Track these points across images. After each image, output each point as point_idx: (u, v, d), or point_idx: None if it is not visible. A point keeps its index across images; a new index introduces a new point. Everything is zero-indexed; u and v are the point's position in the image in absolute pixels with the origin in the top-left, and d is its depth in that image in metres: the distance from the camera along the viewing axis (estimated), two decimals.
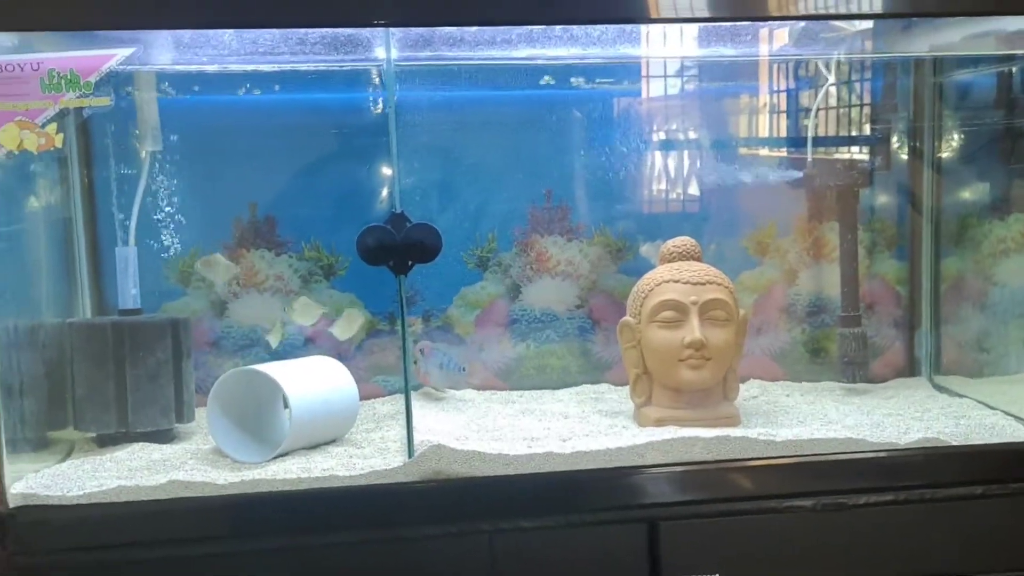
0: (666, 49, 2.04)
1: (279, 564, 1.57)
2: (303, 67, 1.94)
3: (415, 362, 2.02)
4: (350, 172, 2.04)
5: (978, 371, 2.09)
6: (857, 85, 2.18)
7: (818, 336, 2.20)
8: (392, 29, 1.68)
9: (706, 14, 1.66)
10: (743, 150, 2.19)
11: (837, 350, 2.13)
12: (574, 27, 1.77)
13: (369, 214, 2.02)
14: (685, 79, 2.17)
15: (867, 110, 2.17)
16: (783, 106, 2.20)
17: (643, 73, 2.14)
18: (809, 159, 2.13)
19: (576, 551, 1.62)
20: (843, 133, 2.19)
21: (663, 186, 2.18)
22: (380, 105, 2.01)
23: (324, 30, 1.69)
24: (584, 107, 2.11)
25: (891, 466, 1.68)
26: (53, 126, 1.53)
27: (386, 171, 2.01)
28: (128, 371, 1.77)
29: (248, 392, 1.77)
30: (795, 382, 2.18)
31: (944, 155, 2.15)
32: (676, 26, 1.90)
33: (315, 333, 2.08)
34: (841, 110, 2.18)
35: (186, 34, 1.71)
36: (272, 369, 1.73)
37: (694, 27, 1.90)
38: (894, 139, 2.16)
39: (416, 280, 2.08)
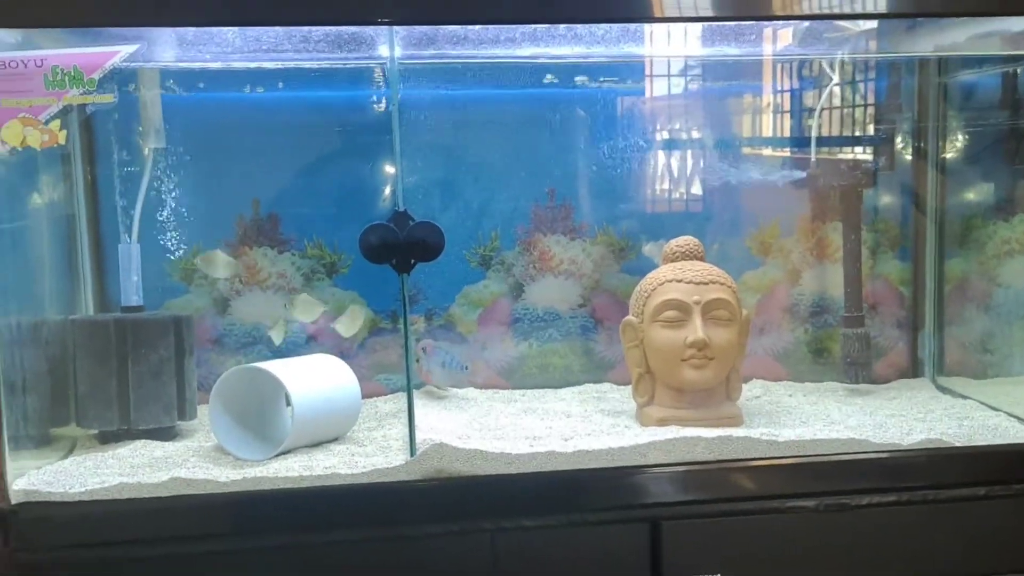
0: (670, 48, 2.04)
1: (281, 562, 1.57)
2: (307, 65, 1.94)
3: (417, 360, 2.02)
4: (353, 170, 2.04)
5: (982, 372, 2.09)
6: (861, 85, 2.17)
7: (821, 336, 2.20)
8: (396, 27, 1.68)
9: (710, 13, 1.66)
10: (746, 150, 2.18)
11: (840, 350, 2.13)
12: (578, 26, 1.77)
13: (372, 212, 2.02)
14: (689, 78, 2.17)
15: (871, 110, 2.17)
16: (787, 106, 2.19)
17: (647, 72, 2.14)
18: (813, 159, 2.12)
19: (578, 550, 1.62)
20: (847, 133, 2.19)
21: (666, 185, 2.18)
22: (383, 103, 2.01)
23: (328, 28, 1.69)
24: (587, 106, 2.10)
25: (894, 467, 1.68)
26: (57, 123, 1.53)
27: (389, 169, 2.01)
28: (131, 368, 1.77)
29: (250, 390, 1.77)
30: (798, 382, 2.17)
31: (948, 156, 2.14)
32: (680, 25, 1.90)
33: (317, 331, 2.08)
34: (845, 110, 2.17)
35: (190, 31, 1.71)
36: (274, 367, 1.73)
37: (698, 26, 1.90)
38: (898, 139, 2.16)
39: (419, 278, 2.08)
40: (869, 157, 2.16)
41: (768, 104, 2.20)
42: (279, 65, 1.94)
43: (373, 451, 1.72)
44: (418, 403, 1.89)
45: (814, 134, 2.13)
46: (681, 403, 1.81)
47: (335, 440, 1.79)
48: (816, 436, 1.71)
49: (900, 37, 2.03)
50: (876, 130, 2.16)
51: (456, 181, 2.09)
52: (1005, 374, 2.04)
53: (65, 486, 1.55)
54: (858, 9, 1.70)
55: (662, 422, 1.79)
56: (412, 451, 1.64)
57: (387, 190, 2.02)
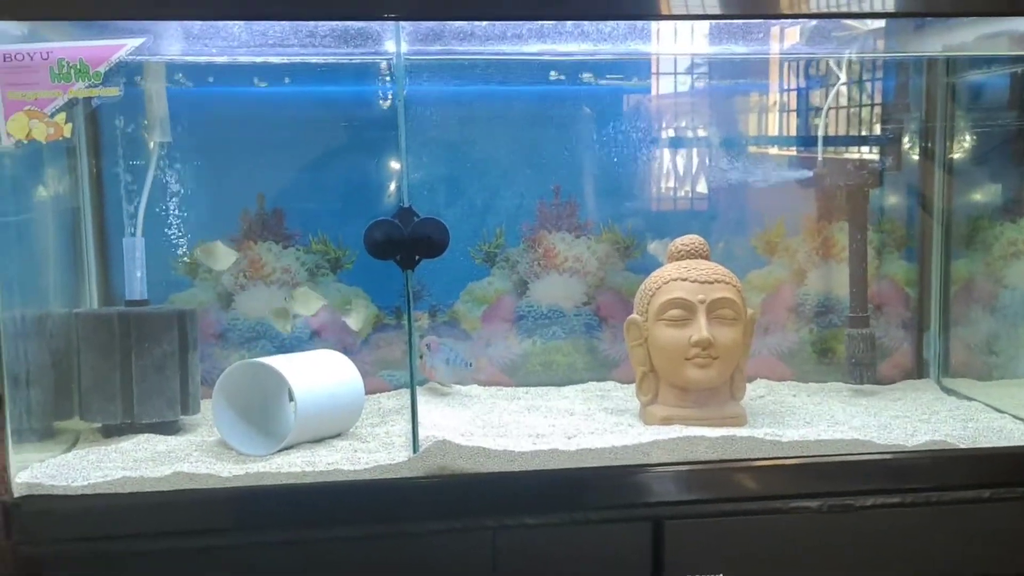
0: (677, 46, 2.03)
1: (282, 557, 1.57)
2: (313, 60, 1.93)
3: (421, 357, 2.02)
4: (358, 166, 2.04)
5: (987, 374, 2.08)
6: (869, 84, 2.16)
7: (826, 336, 2.19)
8: (402, 23, 1.67)
9: (717, 11, 1.65)
10: (753, 148, 2.18)
11: (845, 351, 2.12)
12: (585, 23, 1.76)
13: (377, 208, 2.02)
14: (695, 76, 2.16)
15: (878, 110, 2.16)
16: (794, 105, 2.19)
17: (653, 70, 2.14)
18: (819, 158, 2.11)
19: (580, 549, 1.61)
20: (854, 133, 2.18)
21: (672, 184, 2.17)
22: (389, 99, 2.01)
23: (334, 23, 1.69)
24: (594, 103, 2.10)
25: (898, 468, 1.67)
26: (62, 116, 1.53)
27: (394, 165, 2.00)
28: (134, 362, 1.77)
29: (254, 385, 1.77)
30: (802, 382, 2.17)
31: (956, 156, 2.14)
32: (687, 23, 1.90)
33: (321, 326, 2.08)
34: (852, 109, 2.17)
35: (196, 25, 1.71)
36: (278, 362, 1.72)
37: (705, 24, 1.89)
38: (905, 139, 2.15)
39: (423, 275, 2.08)
40: (876, 157, 2.15)
41: (775, 103, 2.20)
42: (285, 60, 1.94)
43: (376, 447, 1.72)
44: (421, 400, 1.89)
45: (821, 133, 2.12)
46: (685, 402, 1.81)
47: (338, 436, 1.79)
48: (820, 437, 1.70)
49: (908, 37, 2.02)
50: (883, 130, 2.15)
51: (461, 177, 2.09)
52: (1010, 376, 2.03)
53: (68, 479, 1.56)
54: (866, 8, 1.69)
55: (666, 421, 1.79)
56: (415, 448, 1.64)
57: (392, 186, 2.02)
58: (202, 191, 1.97)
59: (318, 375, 1.76)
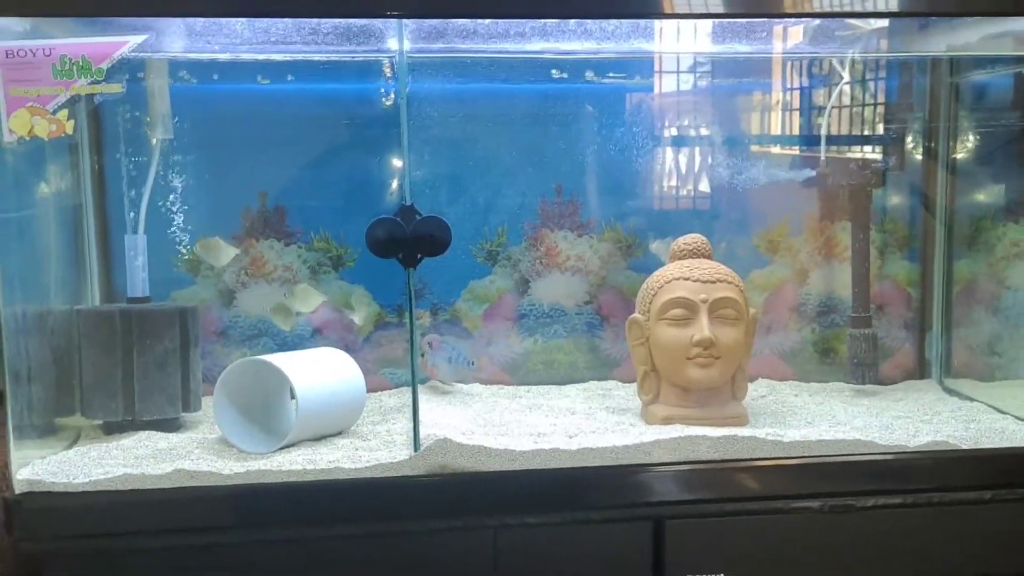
0: (680, 45, 2.03)
1: (283, 556, 1.57)
2: (315, 57, 1.93)
3: (422, 355, 2.02)
4: (360, 163, 2.04)
5: (989, 375, 2.08)
6: (872, 84, 2.16)
7: (828, 336, 2.19)
8: (405, 20, 1.67)
9: (721, 10, 1.65)
10: (755, 148, 2.17)
11: (847, 351, 2.12)
12: (588, 21, 1.76)
13: (379, 206, 2.02)
14: (698, 75, 2.16)
15: (882, 109, 2.16)
16: (797, 104, 2.18)
17: (656, 69, 2.13)
18: (822, 158, 2.11)
19: (581, 548, 1.61)
20: (857, 132, 2.18)
21: (674, 183, 2.17)
22: (392, 97, 2.01)
23: (337, 20, 1.69)
24: (596, 102, 2.10)
25: (900, 469, 1.67)
26: (64, 112, 1.53)
27: (396, 163, 2.00)
28: (136, 359, 1.77)
29: (255, 382, 1.77)
30: (804, 382, 2.17)
31: (959, 156, 2.13)
32: (690, 22, 1.89)
33: (323, 324, 2.07)
34: (855, 109, 2.16)
35: (198, 22, 1.70)
36: (279, 360, 1.72)
37: (708, 23, 1.89)
38: (909, 139, 2.15)
39: (425, 273, 2.08)
40: (879, 157, 2.14)
41: (778, 102, 2.19)
42: (288, 57, 1.94)
43: (377, 446, 1.72)
44: (422, 398, 1.89)
45: (824, 133, 2.12)
46: (686, 402, 1.80)
47: (339, 434, 1.78)
48: (822, 437, 1.70)
49: (912, 36, 2.02)
50: (886, 130, 2.15)
51: (463, 176, 2.09)
52: (1012, 377, 2.03)
53: (69, 476, 1.56)
54: (870, 8, 1.69)
55: (667, 420, 1.78)
56: (416, 446, 1.64)
57: (394, 184, 2.02)
58: (204, 188, 1.97)
59: (320, 373, 1.76)
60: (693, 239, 1.87)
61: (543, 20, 1.73)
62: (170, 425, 1.81)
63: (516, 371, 2.15)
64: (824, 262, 2.18)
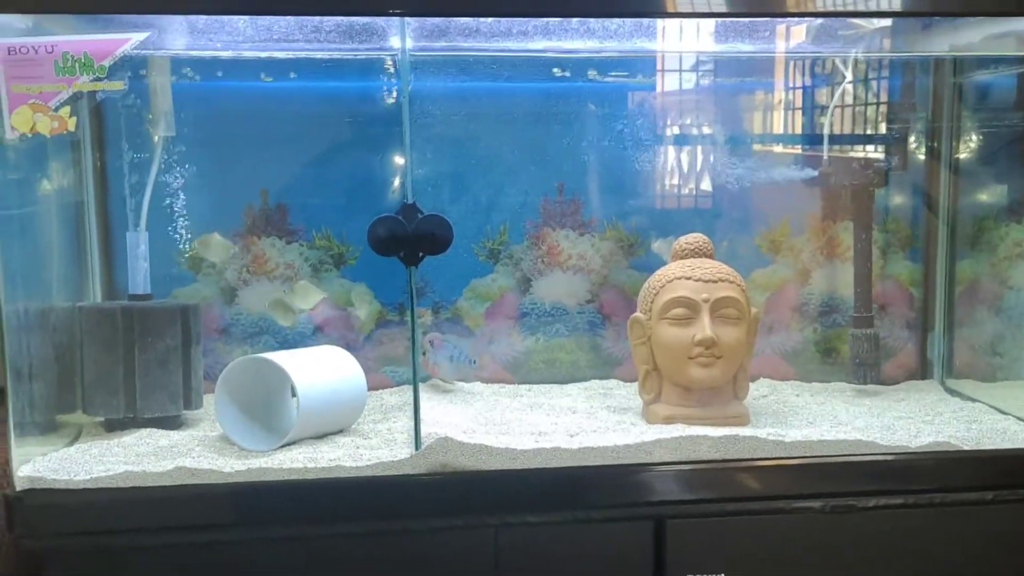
0: (682, 44, 2.02)
1: (284, 553, 1.57)
2: (318, 55, 1.93)
3: (424, 353, 2.02)
4: (362, 161, 2.03)
5: (991, 375, 2.07)
6: (875, 83, 2.15)
7: (830, 336, 2.18)
8: (407, 19, 1.67)
9: (724, 9, 1.64)
10: (758, 147, 2.17)
11: (849, 351, 2.12)
12: (590, 20, 1.75)
13: (381, 204, 2.01)
14: (701, 74, 2.15)
15: (884, 109, 2.15)
16: (799, 103, 2.18)
17: (658, 67, 2.13)
18: (825, 157, 2.11)
19: (582, 548, 1.61)
20: (859, 132, 2.17)
21: (676, 182, 2.17)
22: (394, 95, 2.01)
23: (339, 18, 1.69)
24: (599, 101, 2.09)
25: (901, 469, 1.67)
26: (66, 109, 1.53)
27: (398, 161, 2.00)
28: (137, 356, 1.77)
29: (256, 380, 1.77)
30: (805, 382, 2.16)
31: (962, 156, 2.13)
32: (693, 21, 1.89)
33: (324, 321, 2.07)
34: (858, 109, 2.16)
35: (200, 20, 1.70)
36: (281, 358, 1.72)
37: (711, 22, 1.88)
38: (911, 139, 2.15)
39: (426, 271, 2.08)
40: (881, 156, 2.14)
41: (780, 101, 2.19)
42: (290, 55, 1.93)
43: (378, 444, 1.72)
44: (424, 396, 1.89)
45: (827, 132, 2.11)
46: (688, 401, 1.80)
47: (340, 432, 1.78)
48: (823, 437, 1.70)
49: (915, 36, 2.01)
50: (889, 129, 2.14)
51: (466, 174, 2.09)
52: (1014, 377, 2.02)
53: (70, 473, 1.56)
54: (872, 7, 1.69)
55: (668, 420, 1.78)
56: (417, 445, 1.64)
57: (396, 182, 2.02)
58: (206, 186, 1.97)
59: (321, 371, 1.76)
60: (695, 238, 1.87)
61: (545, 19, 1.73)
62: (171, 423, 1.81)
63: (517, 370, 2.14)
64: (826, 262, 2.17)
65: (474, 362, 2.04)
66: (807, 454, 1.67)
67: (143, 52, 1.72)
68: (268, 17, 1.68)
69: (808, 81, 2.17)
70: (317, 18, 1.68)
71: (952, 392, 2.10)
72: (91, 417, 1.80)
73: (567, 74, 2.07)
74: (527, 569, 1.60)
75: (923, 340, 2.20)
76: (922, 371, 2.20)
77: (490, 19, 1.72)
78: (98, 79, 1.52)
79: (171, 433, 1.77)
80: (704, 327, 1.76)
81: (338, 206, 2.06)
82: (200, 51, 1.88)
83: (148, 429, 1.77)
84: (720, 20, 1.84)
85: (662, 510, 1.63)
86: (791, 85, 2.18)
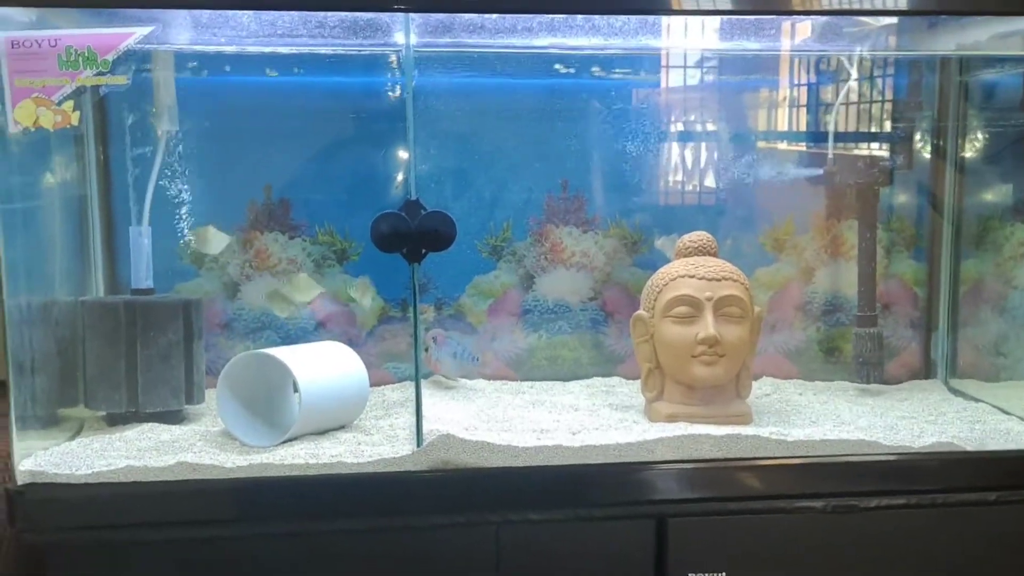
0: (687, 41, 2.02)
1: (285, 549, 1.57)
2: (322, 50, 1.93)
3: (426, 350, 2.02)
4: (366, 157, 2.03)
5: (995, 375, 2.07)
6: (880, 82, 2.15)
7: (833, 335, 2.18)
8: (412, 14, 1.66)
9: (729, 7, 1.64)
10: (762, 145, 2.16)
11: (852, 350, 2.11)
12: (595, 17, 1.75)
13: (384, 200, 2.01)
14: (705, 72, 2.15)
15: (890, 107, 2.14)
16: (804, 101, 2.17)
17: (663, 65, 2.12)
18: (830, 156, 2.10)
19: (583, 545, 1.61)
20: (864, 130, 2.17)
21: (680, 179, 2.16)
22: (398, 91, 2.00)
23: (343, 14, 1.68)
24: (603, 98, 2.09)
25: (904, 469, 1.67)
26: (70, 103, 1.52)
27: (402, 157, 2.00)
28: (139, 351, 1.77)
29: (258, 375, 1.77)
30: (808, 381, 2.16)
31: (967, 155, 2.12)
32: (698, 18, 1.88)
33: (327, 317, 2.07)
34: (863, 107, 2.15)
35: (204, 14, 1.70)
36: (283, 353, 1.72)
37: (716, 20, 1.88)
38: (917, 138, 2.14)
39: (429, 267, 2.07)
40: (887, 155, 2.13)
41: (785, 99, 2.18)
42: (294, 50, 1.93)
43: (380, 440, 1.72)
44: (426, 393, 1.89)
45: (831, 130, 2.11)
46: (690, 399, 1.80)
47: (342, 428, 1.78)
48: (826, 436, 1.70)
49: (921, 35, 2.00)
50: (894, 128, 2.13)
51: (469, 170, 2.08)
52: (1018, 378, 2.02)
53: (72, 468, 1.56)
54: (878, 5, 1.68)
55: (671, 418, 1.78)
56: (419, 441, 1.64)
57: (399, 178, 2.01)
58: (209, 181, 1.97)
59: (323, 367, 1.76)
60: (699, 236, 1.87)
61: (550, 15, 1.72)
62: (173, 417, 1.81)
63: (520, 367, 2.14)
64: (830, 260, 2.17)
65: (477, 359, 2.04)
66: (809, 453, 1.67)
67: (147, 47, 1.72)
68: (272, 12, 1.68)
69: (813, 79, 2.16)
70: (321, 13, 1.68)
71: (956, 392, 2.09)
72: (93, 411, 1.80)
73: (571, 71, 2.06)
74: (528, 566, 1.60)
75: (927, 339, 2.19)
76: (926, 371, 2.19)
77: (494, 15, 1.72)
78: (101, 73, 1.52)
79: (173, 428, 1.77)
80: (707, 325, 1.75)
81: (341, 202, 2.06)
82: (204, 46, 1.88)
83: (150, 424, 1.77)
84: (725, 17, 1.83)
85: (664, 508, 1.63)
86: (796, 83, 2.17)
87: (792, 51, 2.08)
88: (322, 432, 1.75)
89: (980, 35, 1.91)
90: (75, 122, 1.54)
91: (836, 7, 1.70)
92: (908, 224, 2.18)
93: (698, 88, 2.15)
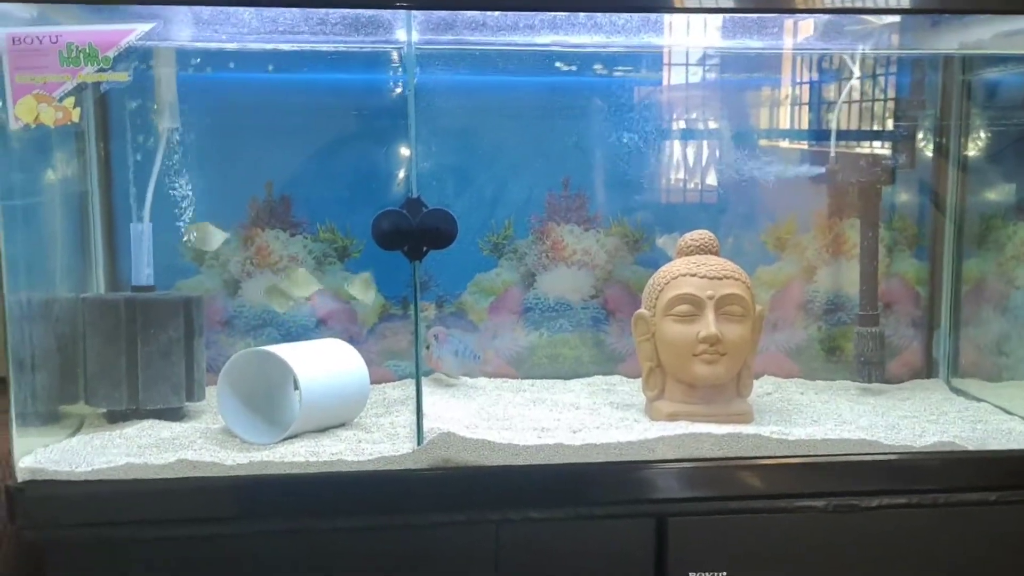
0: (689, 39, 2.02)
1: (285, 547, 1.57)
2: (323, 48, 1.92)
3: (427, 347, 2.02)
4: (367, 155, 2.03)
5: (997, 375, 2.06)
6: (883, 80, 2.14)
7: (835, 334, 2.18)
8: (414, 11, 1.66)
9: (732, 5, 1.63)
10: (764, 143, 2.16)
11: (853, 349, 2.11)
12: (597, 15, 1.74)
13: (385, 198, 2.01)
14: (708, 69, 2.14)
15: (892, 106, 2.14)
16: (806, 100, 2.17)
17: (665, 63, 2.12)
18: (832, 154, 2.10)
19: (583, 544, 1.61)
20: (867, 129, 2.16)
21: (682, 177, 2.16)
22: (399, 88, 2.00)
23: (345, 11, 1.68)
24: (605, 95, 2.08)
25: (905, 469, 1.66)
26: (71, 100, 1.52)
27: (403, 154, 1.99)
28: (140, 348, 1.76)
29: (259, 373, 1.77)
30: (810, 380, 2.16)
31: (970, 154, 2.12)
32: (700, 16, 1.88)
33: (327, 315, 2.07)
34: (865, 105, 2.15)
35: (206, 11, 1.69)
36: (283, 350, 1.72)
37: (718, 17, 1.87)
38: (919, 136, 2.13)
39: (430, 265, 2.07)
40: (889, 154, 2.13)
41: (787, 98, 2.18)
42: (295, 47, 1.93)
43: (380, 438, 1.71)
44: (426, 391, 1.89)
45: (834, 129, 2.10)
46: (691, 398, 1.80)
47: (342, 426, 1.78)
48: (827, 436, 1.69)
49: (924, 33, 2.00)
50: (897, 126, 2.13)
51: (471, 168, 2.08)
52: (1020, 377, 2.01)
53: (71, 465, 1.55)
54: (880, 4, 1.67)
55: (672, 417, 1.78)
56: (419, 439, 1.64)
57: (401, 175, 2.01)
58: (210, 177, 1.96)
59: (323, 364, 1.75)
60: (700, 235, 1.86)
61: (552, 13, 1.72)
62: (173, 414, 1.81)
63: (521, 365, 2.14)
64: (832, 259, 2.16)
65: (479, 357, 2.04)
66: (810, 453, 1.67)
67: (148, 43, 1.71)
68: (274, 8, 1.67)
69: (816, 77, 2.15)
70: (323, 10, 1.68)
71: (957, 392, 2.09)
72: (93, 408, 1.80)
73: (573, 68, 2.06)
74: (528, 565, 1.60)
75: (929, 339, 2.19)
76: (927, 370, 2.19)
77: (496, 13, 1.71)
78: (102, 70, 1.52)
79: (173, 425, 1.77)
80: (708, 324, 1.75)
81: (342, 199, 2.05)
82: (205, 43, 1.88)
83: (150, 421, 1.77)
84: (727, 15, 1.83)
85: (664, 507, 1.62)
86: (798, 81, 2.16)
87: (794, 49, 2.08)
88: (322, 430, 1.74)
89: (983, 33, 1.90)
90: (76, 118, 1.53)
91: (839, 5, 1.70)
92: (910, 223, 2.17)
93: (700, 86, 2.15)
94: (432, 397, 1.92)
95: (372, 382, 1.84)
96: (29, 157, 1.68)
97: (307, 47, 1.92)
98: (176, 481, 1.55)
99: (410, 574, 1.60)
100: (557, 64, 2.06)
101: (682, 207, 2.16)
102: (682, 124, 2.16)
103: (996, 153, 2.10)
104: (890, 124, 2.14)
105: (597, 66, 2.07)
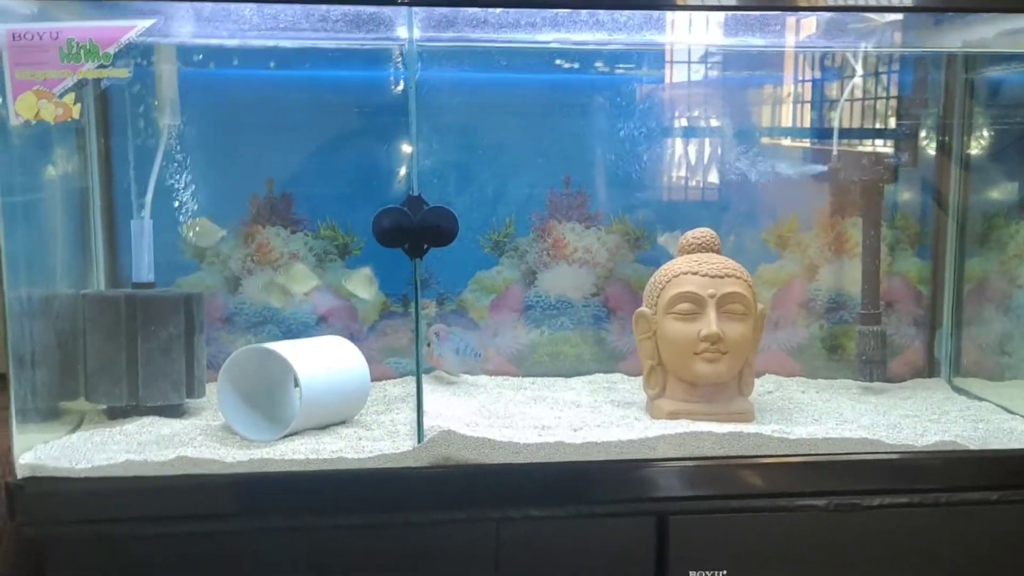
0: (691, 37, 2.01)
1: (285, 544, 1.56)
2: (324, 44, 1.92)
3: (428, 345, 2.01)
4: (368, 152, 2.02)
5: (999, 374, 2.06)
6: (885, 78, 2.14)
7: (836, 333, 2.17)
8: (415, 8, 1.66)
9: (734, 3, 1.63)
10: (766, 141, 2.16)
11: (855, 348, 2.11)
12: (599, 12, 1.74)
13: (386, 195, 2.00)
14: (710, 67, 2.14)
15: (895, 104, 2.14)
16: (808, 98, 2.16)
17: (667, 60, 2.11)
18: (834, 152, 2.09)
19: (584, 542, 1.61)
20: (869, 127, 2.16)
21: (684, 175, 2.15)
22: (401, 85, 1.99)
23: (346, 7, 1.68)
24: (607, 93, 2.08)
25: (907, 468, 1.66)
26: (71, 96, 1.52)
27: (404, 152, 1.99)
28: (140, 344, 1.76)
29: (259, 370, 1.76)
30: (811, 379, 2.15)
31: (972, 152, 2.11)
32: (702, 14, 1.87)
33: (328, 312, 2.07)
34: (867, 103, 2.14)
35: (207, 7, 1.69)
36: (284, 348, 1.72)
37: (720, 15, 1.87)
38: (922, 135, 2.13)
39: (431, 263, 2.07)
40: (891, 152, 2.12)
41: (790, 95, 2.18)
42: (297, 44, 1.92)
43: (380, 436, 1.71)
44: (427, 388, 1.88)
45: (836, 127, 2.10)
46: (692, 397, 1.79)
47: (343, 423, 1.78)
48: (828, 435, 1.69)
49: (927, 31, 1.99)
50: (899, 125, 2.13)
51: (472, 165, 2.08)
52: (1022, 377, 2.01)
53: (71, 462, 1.55)
54: (883, 2, 1.67)
55: (672, 415, 1.77)
56: (420, 437, 1.63)
57: (402, 173, 2.01)
58: (211, 174, 1.96)
59: (324, 361, 1.75)
60: (702, 233, 1.86)
61: (554, 10, 1.71)
62: (174, 411, 1.81)
63: (522, 362, 2.14)
64: (834, 258, 2.16)
65: (480, 355, 2.04)
66: (812, 451, 1.66)
67: (149, 40, 1.71)
68: (276, 5, 1.67)
69: (818, 75, 2.15)
70: (324, 7, 1.67)
71: (959, 391, 2.08)
72: (93, 405, 1.79)
73: (575, 66, 2.06)
74: (528, 563, 1.60)
75: (930, 338, 2.18)
76: (929, 369, 2.18)
77: (498, 9, 1.71)
78: (103, 66, 1.52)
79: (173, 422, 1.77)
80: (710, 322, 1.75)
81: (343, 196, 2.05)
82: (206, 39, 1.87)
83: (150, 417, 1.77)
84: (729, 13, 1.83)
85: (665, 506, 1.62)
86: (801, 79, 2.16)
87: (797, 47, 2.07)
88: (323, 427, 1.74)
89: (986, 32, 1.90)
90: (76, 115, 1.53)
91: (841, 3, 1.69)
92: (912, 221, 2.17)
93: (702, 84, 2.14)
94: (433, 395, 1.92)
95: (373, 379, 1.84)
96: (29, 153, 1.67)
97: (308, 44, 1.92)
98: (176, 478, 1.55)
99: (410, 572, 1.60)
100: (558, 61, 2.05)
101: (683, 205, 2.15)
102: (684, 122, 2.15)
103: (999, 152, 2.10)
104: (892, 122, 2.14)
105: (599, 64, 2.07)
